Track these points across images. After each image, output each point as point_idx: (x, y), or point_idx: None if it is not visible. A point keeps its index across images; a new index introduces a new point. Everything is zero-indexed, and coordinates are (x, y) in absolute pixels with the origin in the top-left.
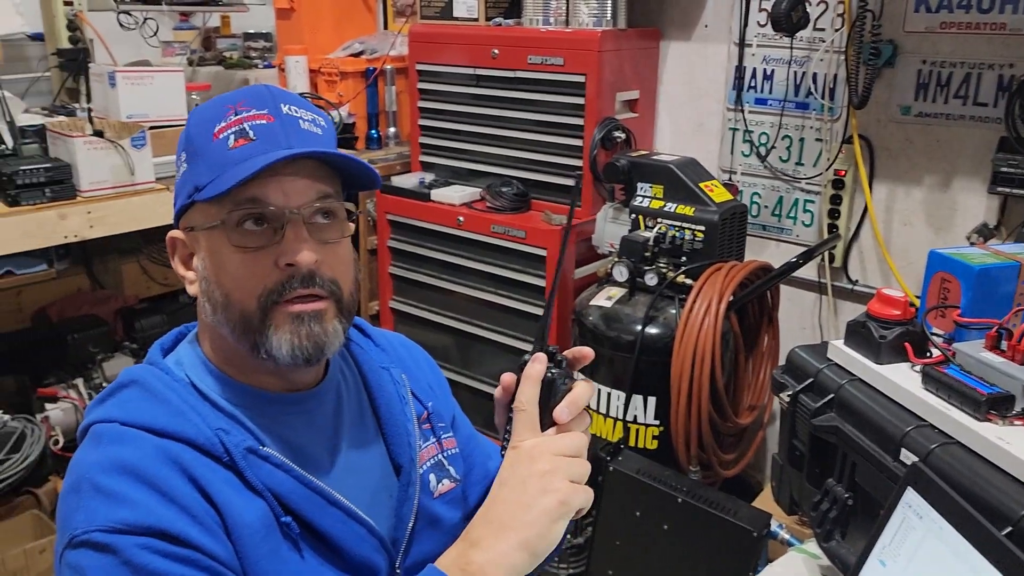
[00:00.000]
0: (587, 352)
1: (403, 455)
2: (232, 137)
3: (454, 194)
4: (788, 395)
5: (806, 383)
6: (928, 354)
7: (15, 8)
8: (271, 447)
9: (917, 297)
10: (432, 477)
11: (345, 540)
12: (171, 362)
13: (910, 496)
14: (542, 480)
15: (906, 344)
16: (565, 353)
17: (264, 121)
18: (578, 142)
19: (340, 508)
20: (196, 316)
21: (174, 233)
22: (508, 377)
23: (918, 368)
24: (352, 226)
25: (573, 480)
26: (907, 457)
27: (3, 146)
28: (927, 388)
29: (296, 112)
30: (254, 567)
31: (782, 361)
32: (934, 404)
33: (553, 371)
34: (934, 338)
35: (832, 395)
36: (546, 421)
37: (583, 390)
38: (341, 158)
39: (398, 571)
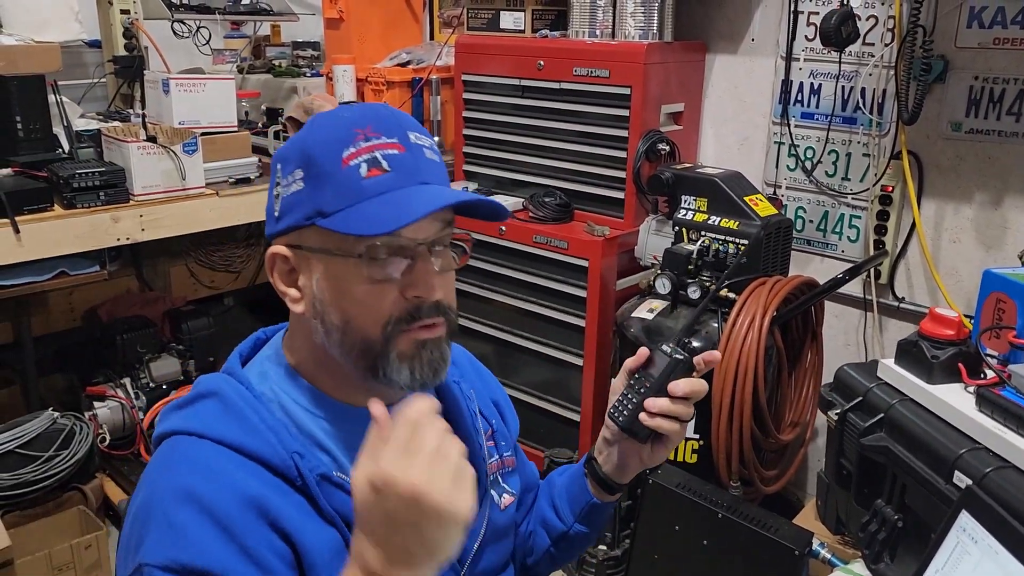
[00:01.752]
0: (716, 356)
1: (477, 469)
2: (365, 166)
3: None
4: (836, 413)
5: (855, 402)
6: (983, 375)
7: (74, 16)
8: (351, 465)
9: (967, 316)
10: (493, 492)
11: None
12: (254, 373)
13: (964, 520)
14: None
15: (960, 364)
16: (703, 355)
17: (396, 151)
18: (622, 154)
19: None
20: (242, 318)
21: (276, 249)
22: (645, 350)
23: (972, 389)
24: (468, 256)
25: (445, 484)
26: (961, 480)
27: (60, 150)
28: (981, 410)
29: (420, 140)
30: None
31: (826, 378)
32: (989, 426)
33: (683, 355)
34: (989, 359)
35: (882, 415)
36: (662, 391)
37: (702, 383)
38: (483, 205)
39: None
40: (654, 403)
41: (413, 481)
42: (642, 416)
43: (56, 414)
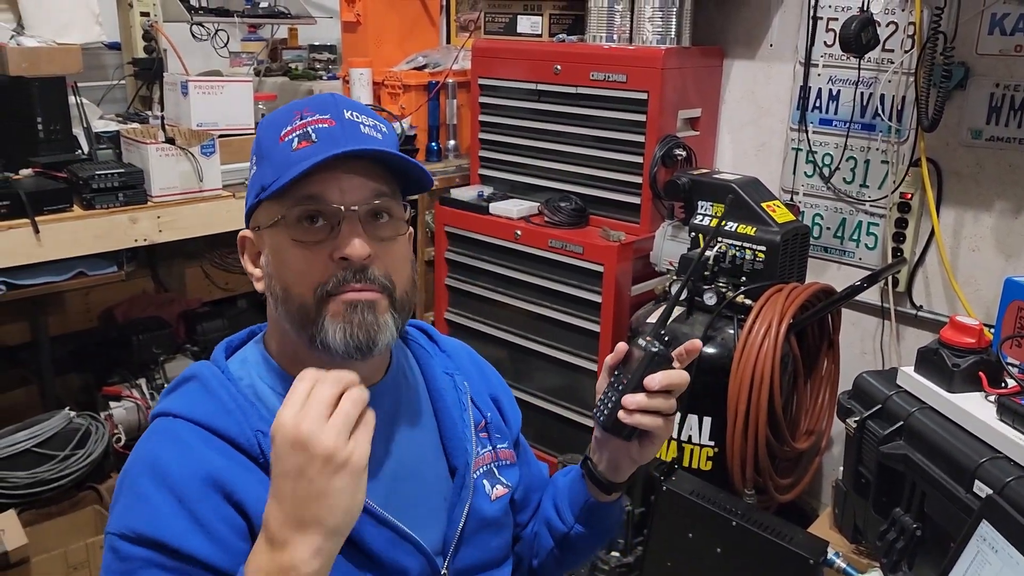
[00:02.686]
0: (696, 345)
1: (459, 459)
2: (296, 140)
3: (512, 208)
4: (855, 421)
5: (874, 409)
6: (1004, 384)
7: (95, 18)
8: None
9: (986, 325)
10: (485, 483)
11: (373, 543)
12: (236, 360)
13: (985, 529)
14: (310, 466)
15: (980, 373)
16: (683, 346)
17: (326, 125)
18: (638, 159)
19: (368, 512)
20: (256, 320)
21: (244, 232)
22: (622, 345)
23: (993, 398)
24: (408, 227)
25: (340, 432)
26: (981, 489)
27: (80, 151)
28: (1002, 419)
29: (357, 118)
30: None
31: (842, 386)
32: (1010, 436)
33: (659, 348)
34: (1010, 368)
35: (901, 423)
36: (638, 387)
37: (680, 374)
38: (389, 155)
39: (444, 572)
40: (631, 400)
41: (300, 427)
42: (620, 414)
43: (72, 414)
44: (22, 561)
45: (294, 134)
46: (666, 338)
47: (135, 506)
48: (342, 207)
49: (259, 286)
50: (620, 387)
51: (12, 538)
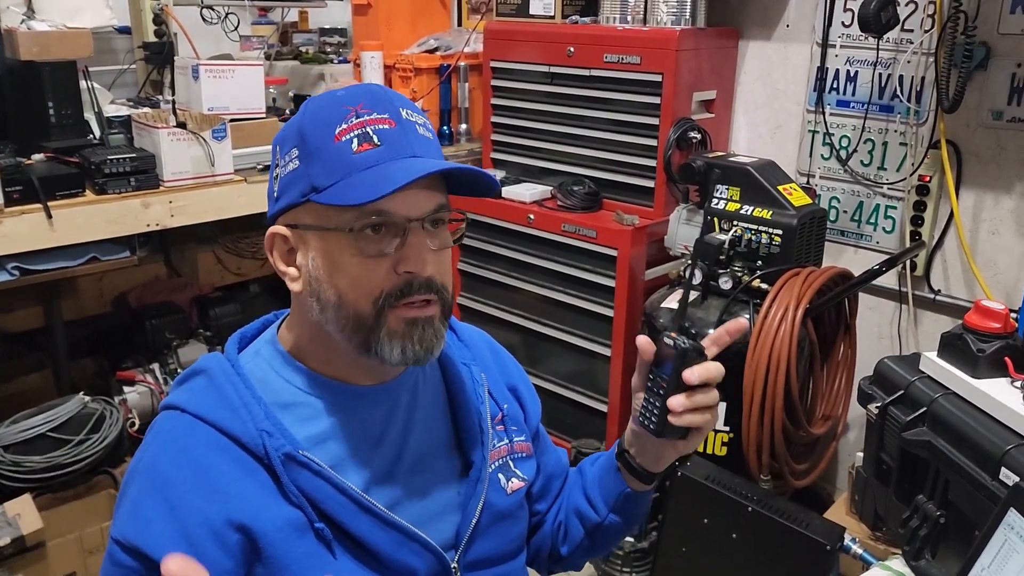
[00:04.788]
0: (742, 324)
1: (474, 451)
2: (356, 141)
3: (525, 192)
4: (877, 407)
5: (896, 395)
6: None
7: (105, 2)
8: (333, 443)
9: (1009, 309)
10: (501, 476)
11: (379, 545)
12: (249, 353)
13: (1012, 517)
14: None
15: (1006, 358)
16: (714, 334)
17: (387, 126)
18: (653, 142)
19: (373, 514)
20: (267, 305)
21: (276, 229)
22: (642, 339)
23: (1019, 384)
24: (461, 228)
25: None
26: (1008, 477)
27: (91, 136)
28: None
29: (412, 117)
30: (285, 570)
31: (860, 371)
32: None
33: (687, 343)
34: None
35: (924, 409)
36: (680, 386)
37: (716, 366)
38: (468, 172)
39: (455, 566)
40: (677, 402)
41: None
42: (670, 417)
43: (87, 398)
44: (38, 545)
45: (352, 134)
46: (692, 331)
47: (131, 513)
48: (408, 220)
49: (295, 286)
50: (661, 391)
51: (28, 522)
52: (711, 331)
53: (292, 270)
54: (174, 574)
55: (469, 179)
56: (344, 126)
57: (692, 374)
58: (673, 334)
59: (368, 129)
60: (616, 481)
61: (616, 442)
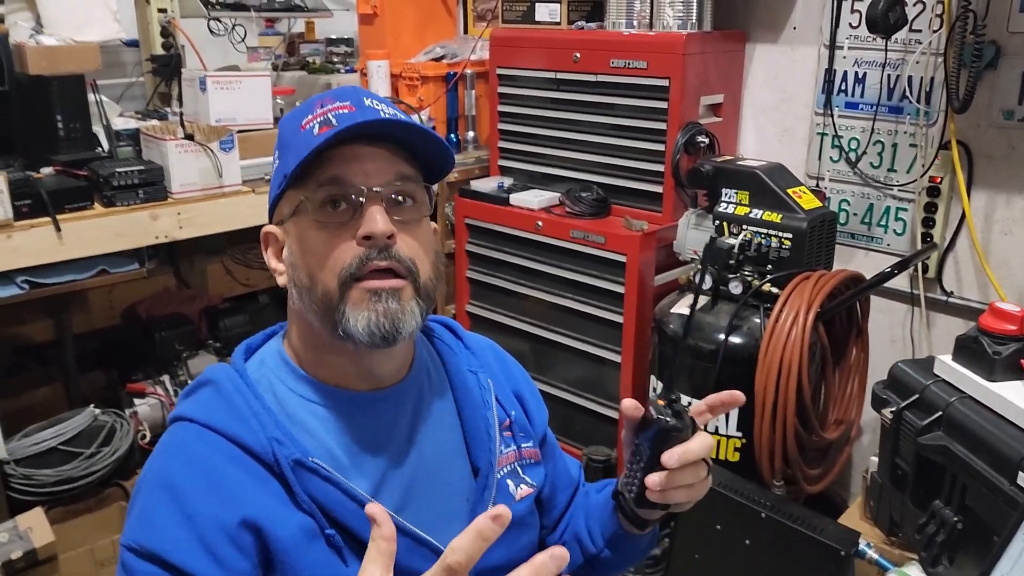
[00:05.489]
0: (738, 398)
1: (482, 458)
2: (316, 126)
3: (533, 198)
4: (891, 411)
5: (911, 399)
6: None
7: (113, 15)
8: (338, 451)
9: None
10: (509, 483)
11: None
12: (254, 362)
13: None
14: None
15: (1022, 361)
16: (709, 399)
17: (346, 111)
18: (660, 147)
19: None
20: (277, 316)
21: (268, 228)
22: (628, 403)
23: None
24: (429, 210)
25: None
26: None
27: (100, 149)
28: None
29: (377, 105)
30: (296, 575)
31: (872, 375)
32: None
33: (669, 420)
34: None
35: (940, 413)
36: (656, 467)
37: (700, 441)
38: (412, 130)
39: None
40: (654, 480)
41: None
42: (649, 494)
43: (97, 411)
44: (50, 558)
45: (315, 121)
46: (676, 406)
47: (144, 520)
48: (364, 188)
49: (281, 280)
50: (642, 464)
51: (40, 535)
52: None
53: (280, 265)
54: (377, 514)
55: (430, 150)
56: (309, 117)
57: (671, 458)
58: (661, 401)
59: (329, 115)
60: (612, 519)
61: (615, 479)
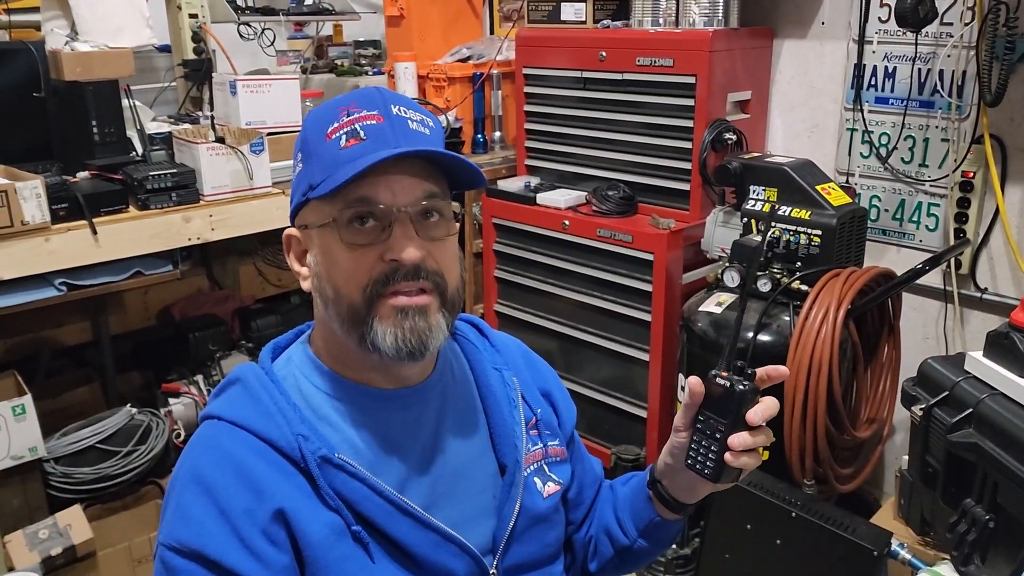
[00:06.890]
0: (782, 371)
1: (508, 456)
2: (344, 137)
3: (560, 198)
4: (921, 409)
5: (941, 396)
6: None
7: (145, 22)
8: (363, 447)
9: None
10: (536, 480)
11: (417, 547)
12: (281, 361)
13: None
14: None
15: None
16: (759, 370)
17: (374, 122)
18: (687, 144)
19: (411, 516)
20: (308, 316)
21: (290, 231)
22: (694, 379)
23: None
24: (457, 226)
25: None
26: None
27: (134, 153)
28: None
29: (405, 113)
30: (324, 571)
31: (904, 372)
32: None
33: (746, 383)
34: None
35: (970, 410)
36: (738, 427)
37: (771, 400)
38: (445, 156)
39: (494, 572)
40: (738, 440)
41: None
42: (728, 457)
43: (134, 410)
44: (89, 555)
45: (341, 131)
46: (748, 371)
47: (180, 518)
48: (393, 208)
49: (305, 285)
50: (717, 434)
51: (79, 532)
52: (764, 336)
53: (304, 269)
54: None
55: (460, 171)
56: (335, 125)
57: (755, 415)
58: (724, 373)
59: (356, 126)
60: (647, 508)
61: (648, 468)
